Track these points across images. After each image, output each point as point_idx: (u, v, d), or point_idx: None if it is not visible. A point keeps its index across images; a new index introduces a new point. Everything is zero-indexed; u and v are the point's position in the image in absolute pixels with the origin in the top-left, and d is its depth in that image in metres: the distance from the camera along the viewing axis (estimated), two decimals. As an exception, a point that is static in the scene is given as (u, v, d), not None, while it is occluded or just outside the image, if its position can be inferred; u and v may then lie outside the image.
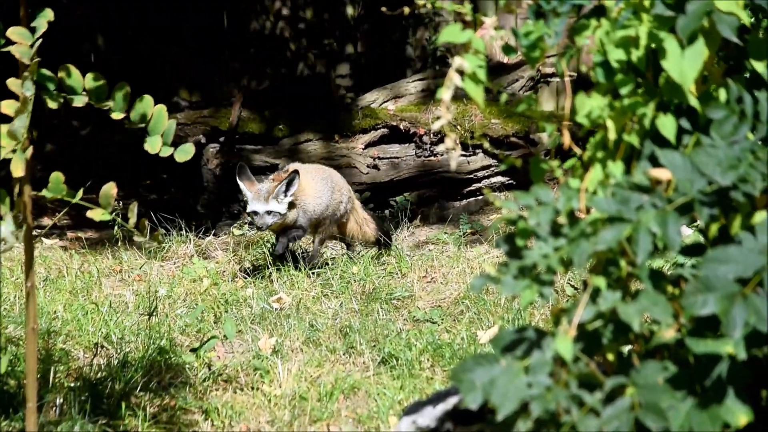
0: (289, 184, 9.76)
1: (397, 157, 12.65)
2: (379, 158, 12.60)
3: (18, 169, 5.41)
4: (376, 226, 10.88)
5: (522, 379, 3.89)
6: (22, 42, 5.25)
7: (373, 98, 13.17)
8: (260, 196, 9.77)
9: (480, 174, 12.62)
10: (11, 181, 5.47)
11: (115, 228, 10.76)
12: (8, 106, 5.42)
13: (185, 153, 5.63)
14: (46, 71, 5.35)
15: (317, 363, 7.93)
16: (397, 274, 10.09)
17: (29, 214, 5.54)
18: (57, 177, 5.52)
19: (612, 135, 4.16)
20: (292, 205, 9.89)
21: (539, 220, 4.04)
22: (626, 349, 4.05)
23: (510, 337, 4.02)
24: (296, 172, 9.75)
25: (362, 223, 10.75)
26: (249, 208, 9.83)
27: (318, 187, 10.21)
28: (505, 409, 3.85)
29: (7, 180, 5.51)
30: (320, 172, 10.42)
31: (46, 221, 12.15)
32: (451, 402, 4.74)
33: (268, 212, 9.78)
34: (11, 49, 5.22)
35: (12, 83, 5.37)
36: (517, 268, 4.01)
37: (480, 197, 12.68)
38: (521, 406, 3.86)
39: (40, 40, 5.26)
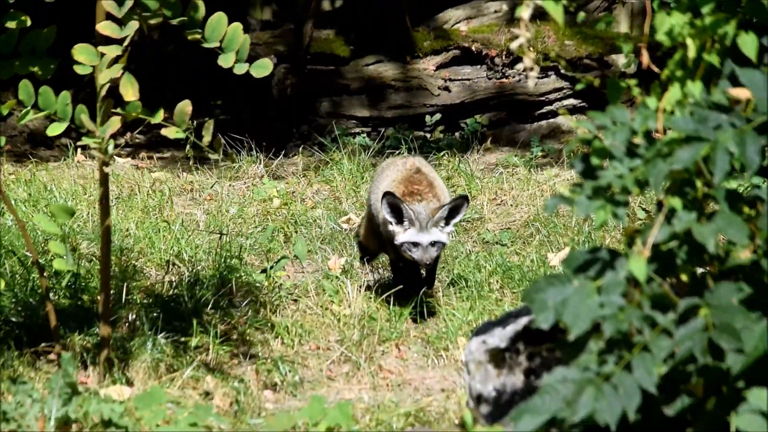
0: (454, 212, 7.56)
1: (469, 79, 12.55)
2: (451, 80, 12.51)
3: (129, 93, 5.44)
4: None
5: (594, 299, 3.86)
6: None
7: (445, 19, 13.06)
8: (426, 223, 7.50)
9: (551, 96, 12.49)
10: (94, 100, 5.51)
11: (187, 147, 10.79)
12: (105, 27, 5.44)
13: (263, 68, 5.60)
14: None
15: (386, 283, 7.94)
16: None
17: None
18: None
19: (692, 54, 4.08)
20: None
21: (615, 140, 3.99)
22: (700, 270, 4.00)
23: (583, 258, 3.99)
24: (466, 198, 7.63)
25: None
26: (405, 238, 7.55)
27: (446, 192, 7.94)
28: (577, 329, 3.83)
29: (89, 99, 5.55)
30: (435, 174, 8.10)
31: (118, 139, 12.17)
32: (521, 322, 4.72)
33: (433, 243, 7.52)
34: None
35: (107, 4, 5.39)
36: (591, 189, 3.96)
37: (551, 120, 12.57)
38: (593, 326, 3.84)
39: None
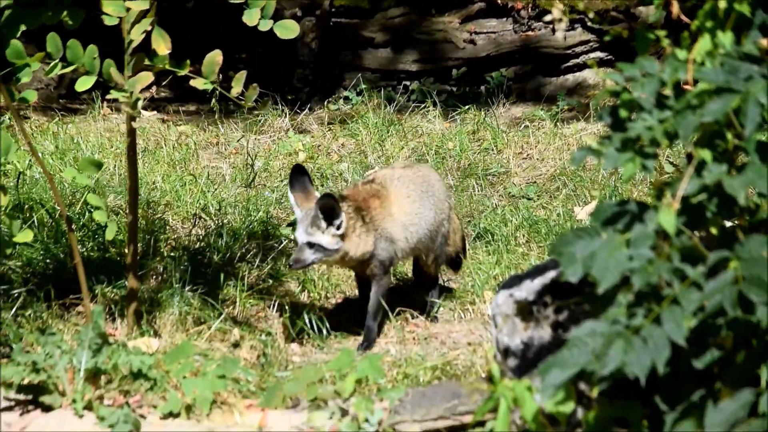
0: (326, 213, 6.47)
1: (494, 32, 12.48)
2: (476, 33, 12.44)
3: (161, 46, 5.43)
4: (462, 236, 7.44)
5: (623, 252, 3.85)
6: None
7: (470, -29, 12.98)
8: (306, 220, 6.54)
9: (578, 50, 12.40)
10: (120, 53, 5.50)
11: (213, 101, 10.80)
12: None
13: (288, 30, 5.57)
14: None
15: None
16: (492, 150, 10.02)
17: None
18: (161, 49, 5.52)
19: (722, 4, 4.03)
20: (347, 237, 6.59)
21: (644, 92, 3.96)
22: (729, 223, 3.98)
23: (611, 210, 3.97)
24: (330, 197, 6.47)
25: (451, 233, 7.26)
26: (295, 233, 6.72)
27: (409, 204, 6.89)
28: (606, 282, 3.81)
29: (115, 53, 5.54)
30: (414, 178, 7.01)
31: (145, 93, 12.18)
32: (549, 276, 4.71)
33: (310, 245, 6.52)
34: None
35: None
36: (619, 141, 3.94)
37: (577, 73, 12.48)
38: (622, 280, 3.83)
39: None
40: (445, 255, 7.15)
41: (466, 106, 10.98)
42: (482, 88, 12.21)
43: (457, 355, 6.06)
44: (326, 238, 6.47)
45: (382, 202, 6.77)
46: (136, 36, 5.36)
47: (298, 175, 6.68)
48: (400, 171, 7.02)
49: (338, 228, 6.47)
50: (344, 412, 4.94)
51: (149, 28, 5.37)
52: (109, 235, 5.82)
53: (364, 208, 6.69)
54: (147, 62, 5.47)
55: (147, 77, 5.40)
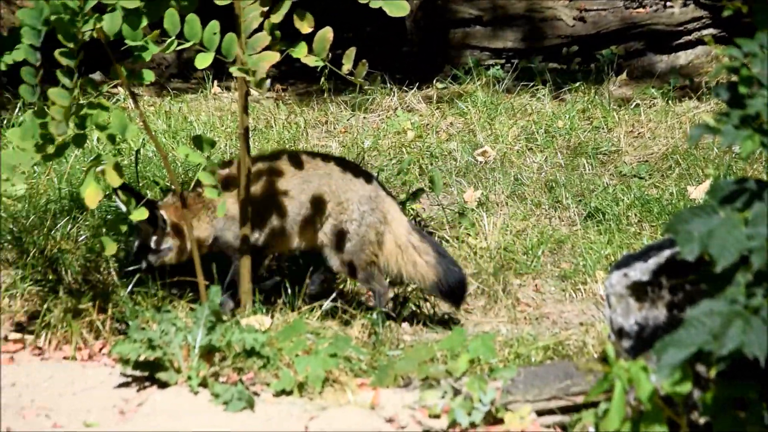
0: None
1: (605, 9, 12.32)
2: (586, 10, 12.29)
3: (304, 26, 5.47)
4: (437, 261, 6.52)
5: (742, 231, 3.79)
6: None
7: (580, -52, 12.84)
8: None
9: (690, 26, 12.20)
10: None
11: (322, 80, 10.83)
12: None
13: (398, 7, 5.56)
14: None
15: (522, 216, 7.91)
16: (603, 128, 9.91)
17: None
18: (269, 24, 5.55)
19: None
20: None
21: (764, 68, 3.88)
22: None
23: (729, 188, 3.91)
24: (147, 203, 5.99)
25: (408, 250, 6.50)
26: None
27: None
28: (725, 261, 3.76)
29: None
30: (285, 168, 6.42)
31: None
32: (664, 255, 4.64)
33: (143, 248, 6.37)
34: None
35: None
36: (738, 118, 3.87)
37: (689, 50, 12.28)
38: (740, 258, 3.76)
39: None
40: (362, 262, 6.41)
41: (576, 84, 10.88)
42: (592, 66, 12.07)
43: (569, 335, 6.02)
44: (155, 239, 6.28)
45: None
46: (277, 19, 5.40)
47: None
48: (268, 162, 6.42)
49: (164, 226, 6.26)
50: (456, 392, 4.94)
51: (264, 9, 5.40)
52: (220, 212, 5.87)
53: (195, 196, 6.32)
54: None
55: (273, 56, 5.43)
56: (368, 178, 6.49)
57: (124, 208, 5.99)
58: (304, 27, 5.48)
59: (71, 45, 5.29)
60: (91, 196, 5.52)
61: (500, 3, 12.35)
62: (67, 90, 5.33)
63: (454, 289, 6.48)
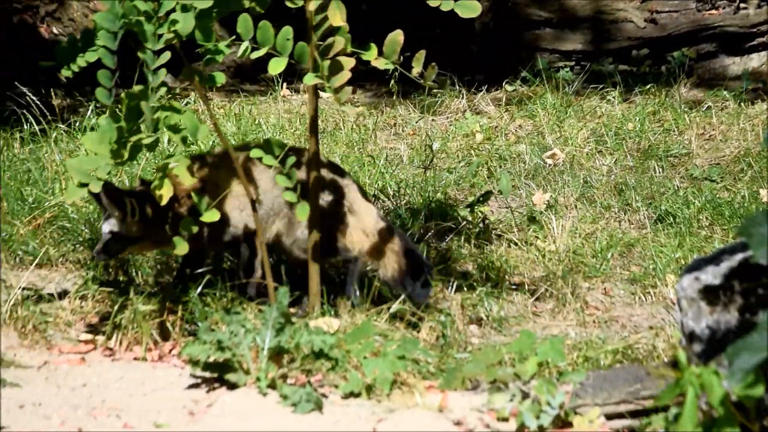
0: (114, 202, 6.14)
1: (676, 11, 12.23)
2: (657, 12, 12.21)
3: (337, 18, 5.47)
4: (403, 251, 6.38)
5: (816, 234, 3.74)
6: None
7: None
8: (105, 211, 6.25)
9: (764, 28, 12.07)
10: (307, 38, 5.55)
11: (392, 82, 10.84)
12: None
13: (470, 9, 5.54)
14: None
15: (591, 219, 7.86)
16: (673, 131, 9.84)
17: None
18: (343, 28, 5.55)
19: None
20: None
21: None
22: None
23: (804, 192, 3.86)
24: (108, 184, 6.03)
25: (375, 239, 6.39)
26: None
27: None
28: (798, 265, 3.71)
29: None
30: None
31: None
32: (736, 259, 4.59)
33: (111, 234, 6.22)
34: None
35: None
36: (813, 120, 3.82)
37: (762, 52, 12.15)
38: (816, 262, 3.72)
39: None
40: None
41: (647, 86, 10.81)
42: (663, 68, 11.99)
43: (639, 339, 5.97)
44: (125, 227, 6.15)
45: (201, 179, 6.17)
46: (313, 6, 5.40)
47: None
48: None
49: (133, 215, 6.13)
50: (525, 395, 4.92)
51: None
52: (302, 215, 5.84)
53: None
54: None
55: (349, 61, 5.44)
56: (333, 168, 6.43)
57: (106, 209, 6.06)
58: (337, 19, 5.46)
59: (150, 46, 5.34)
60: (165, 195, 5.58)
61: (570, 5, 12.31)
62: (150, 90, 5.38)
63: (417, 283, 6.37)
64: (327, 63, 5.50)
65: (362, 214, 6.39)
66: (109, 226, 6.17)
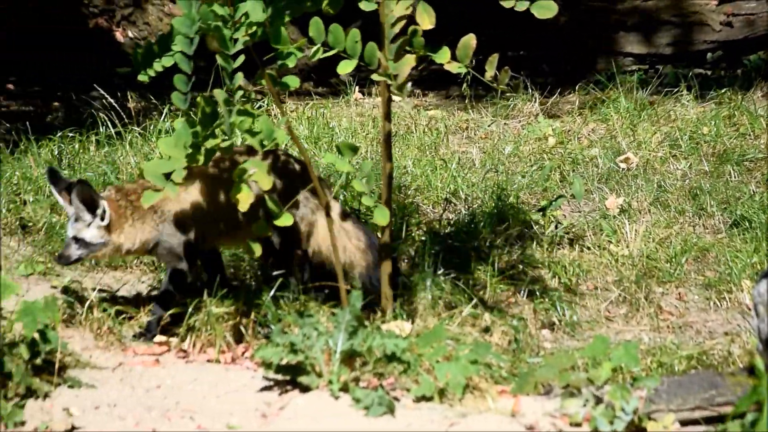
0: (85, 202, 6.03)
1: (753, 14, 12.08)
2: (733, 15, 12.07)
3: (425, 21, 5.49)
4: (367, 247, 6.36)
5: None
6: None
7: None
8: (72, 214, 6.11)
9: (842, 31, 11.92)
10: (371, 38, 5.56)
11: (464, 86, 10.82)
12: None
13: (546, 9, 5.51)
14: None
15: (665, 224, 7.80)
16: (749, 135, 9.72)
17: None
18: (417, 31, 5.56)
19: None
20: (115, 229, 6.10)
21: None
22: None
23: None
24: (84, 184, 6.05)
25: (340, 234, 6.27)
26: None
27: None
28: None
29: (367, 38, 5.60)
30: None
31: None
32: (815, 264, 4.55)
33: (75, 239, 6.07)
34: None
35: None
36: None
37: (842, 54, 11.97)
38: None
39: None
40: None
41: (722, 90, 10.69)
42: (738, 71, 11.85)
43: (714, 345, 5.92)
44: (91, 231, 6.01)
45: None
46: (400, 12, 5.39)
47: (54, 178, 6.13)
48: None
49: (102, 219, 6.01)
50: (598, 400, 4.89)
51: (408, 12, 5.40)
52: (382, 220, 5.81)
53: (139, 195, 6.01)
54: (407, 48, 5.49)
55: (412, 59, 5.44)
56: (299, 164, 6.25)
57: (70, 211, 5.96)
58: (425, 22, 5.46)
59: (228, 51, 5.38)
60: (244, 199, 5.58)
61: (645, 8, 12.21)
62: (230, 94, 5.42)
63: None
64: (391, 62, 5.50)
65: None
66: (74, 231, 6.03)
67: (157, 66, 5.56)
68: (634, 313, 6.72)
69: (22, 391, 5.09)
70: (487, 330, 6.12)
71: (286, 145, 7.31)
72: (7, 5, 11.71)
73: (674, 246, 7.42)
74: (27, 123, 9.36)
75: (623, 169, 8.99)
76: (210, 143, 5.48)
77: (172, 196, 5.69)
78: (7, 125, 9.66)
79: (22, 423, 4.91)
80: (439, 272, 6.53)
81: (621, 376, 5.27)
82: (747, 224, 7.73)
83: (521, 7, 5.50)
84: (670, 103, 10.51)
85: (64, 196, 6.07)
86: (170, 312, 6.08)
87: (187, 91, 5.43)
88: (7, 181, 7.95)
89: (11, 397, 5.06)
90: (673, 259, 7.27)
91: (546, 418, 4.94)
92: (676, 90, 10.74)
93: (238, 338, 5.89)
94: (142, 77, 5.58)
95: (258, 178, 5.53)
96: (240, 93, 5.40)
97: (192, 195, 6.08)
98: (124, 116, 9.08)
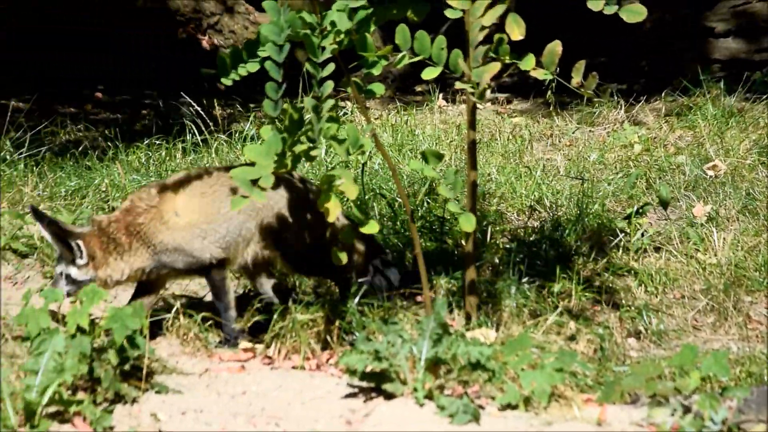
0: (63, 243, 5.93)
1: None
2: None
3: (515, 32, 5.49)
4: (366, 248, 6.50)
5: None
6: None
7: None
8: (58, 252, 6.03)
9: None
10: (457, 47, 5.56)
11: (548, 93, 10.78)
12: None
13: (636, 13, 5.47)
14: None
15: (754, 232, 7.69)
16: None
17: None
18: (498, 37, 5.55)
19: None
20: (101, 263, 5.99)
21: None
22: None
23: None
24: (55, 225, 5.93)
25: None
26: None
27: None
28: None
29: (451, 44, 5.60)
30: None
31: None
32: None
33: (63, 275, 5.99)
34: None
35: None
36: None
37: None
38: None
39: None
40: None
41: (815, 98, 10.56)
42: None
43: (804, 354, 5.84)
44: (74, 269, 5.91)
45: (154, 215, 5.98)
46: (488, 23, 5.38)
47: (37, 216, 5.93)
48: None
49: (81, 258, 5.91)
50: (686, 409, 4.84)
51: (495, 21, 5.39)
52: (468, 226, 5.79)
53: (124, 227, 5.98)
54: (492, 54, 5.48)
55: (495, 66, 5.41)
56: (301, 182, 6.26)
57: (43, 231, 5.87)
58: (515, 33, 5.44)
59: (316, 58, 5.40)
60: (332, 209, 5.55)
61: (735, 14, 12.09)
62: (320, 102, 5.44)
63: (382, 278, 6.35)
64: (474, 69, 5.49)
65: None
66: (60, 268, 5.97)
67: (242, 71, 5.58)
68: (722, 322, 6.64)
69: (111, 396, 5.15)
70: (572, 338, 6.08)
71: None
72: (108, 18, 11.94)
73: (763, 254, 7.32)
74: (116, 130, 9.48)
75: (711, 176, 8.90)
76: (298, 149, 5.50)
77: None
78: (96, 133, 9.79)
79: (111, 428, 4.96)
80: (524, 280, 6.51)
81: (709, 386, 5.20)
82: (839, 232, 7.63)
83: (609, 11, 5.44)
84: (758, 109, 10.39)
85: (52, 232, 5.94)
86: (255, 318, 6.13)
87: (277, 98, 5.44)
88: (95, 188, 8.06)
89: (100, 402, 5.11)
90: (762, 268, 7.17)
91: (633, 428, 4.90)
92: (765, 96, 10.62)
93: (323, 345, 5.91)
94: (225, 80, 5.61)
95: (346, 187, 5.52)
96: (331, 102, 5.40)
97: (184, 219, 6.01)
98: (210, 123, 9.16)
